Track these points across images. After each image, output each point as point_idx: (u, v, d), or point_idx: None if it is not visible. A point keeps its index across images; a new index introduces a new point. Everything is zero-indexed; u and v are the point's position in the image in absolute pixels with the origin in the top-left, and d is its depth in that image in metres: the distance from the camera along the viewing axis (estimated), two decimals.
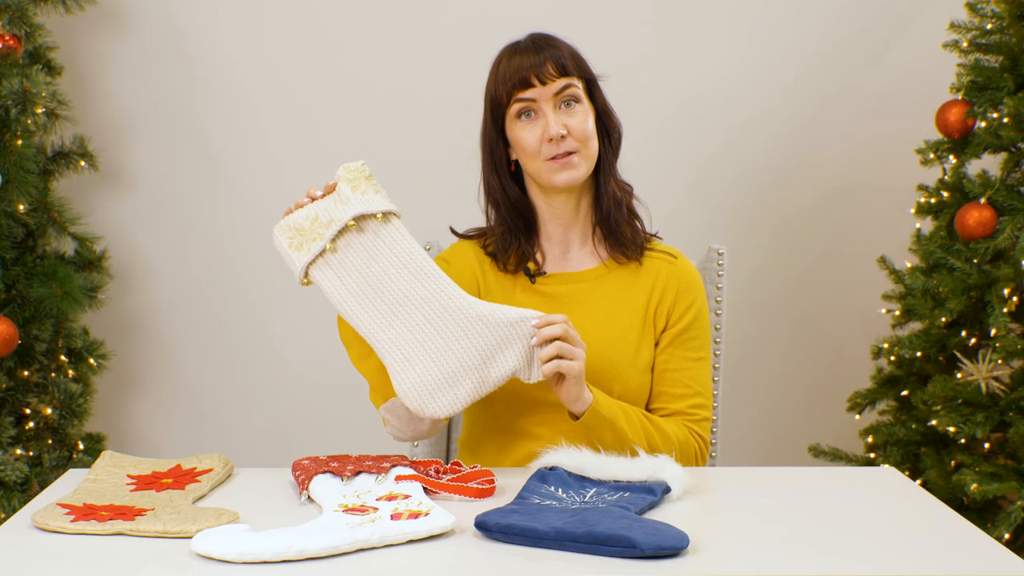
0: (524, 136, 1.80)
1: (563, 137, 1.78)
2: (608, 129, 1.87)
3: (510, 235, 1.88)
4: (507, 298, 1.86)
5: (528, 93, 1.79)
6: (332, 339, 2.97)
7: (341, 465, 1.56)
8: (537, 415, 1.81)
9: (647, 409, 1.85)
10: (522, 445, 1.82)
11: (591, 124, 1.82)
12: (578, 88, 1.81)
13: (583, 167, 1.81)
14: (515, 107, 1.80)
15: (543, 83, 1.78)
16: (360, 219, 1.66)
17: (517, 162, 1.87)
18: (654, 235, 1.93)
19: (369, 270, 1.66)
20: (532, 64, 1.79)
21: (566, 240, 1.89)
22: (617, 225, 1.87)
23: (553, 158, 1.79)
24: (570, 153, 1.79)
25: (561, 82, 1.79)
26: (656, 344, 1.86)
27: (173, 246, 2.96)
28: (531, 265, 1.88)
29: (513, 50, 1.83)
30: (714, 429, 2.07)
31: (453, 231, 1.96)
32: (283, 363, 2.99)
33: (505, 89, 1.80)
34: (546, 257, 1.90)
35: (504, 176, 1.88)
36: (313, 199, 1.70)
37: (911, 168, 2.73)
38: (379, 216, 1.67)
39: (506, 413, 1.82)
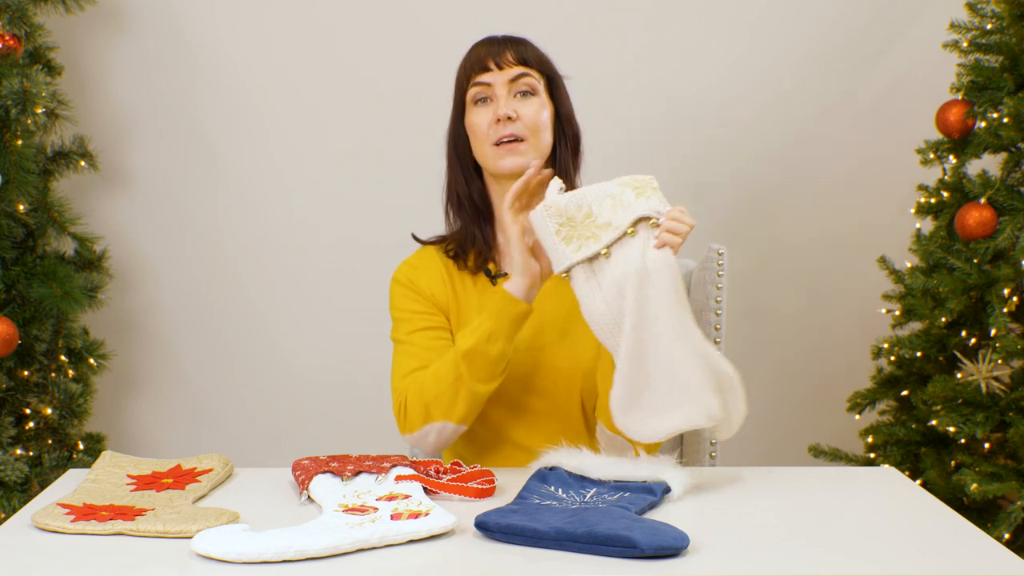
0: (476, 120, 1.82)
1: (510, 119, 1.78)
2: (566, 132, 1.86)
3: (469, 233, 1.86)
4: (469, 298, 1.85)
5: (484, 77, 1.81)
6: (332, 339, 2.99)
7: (341, 465, 1.56)
8: (521, 420, 1.82)
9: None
10: (503, 450, 1.82)
11: (544, 117, 1.82)
12: (535, 80, 1.82)
13: (530, 155, 1.80)
14: (472, 91, 1.83)
15: (500, 68, 1.81)
16: (640, 222, 1.56)
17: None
18: None
19: (628, 283, 1.56)
20: (492, 52, 1.82)
21: None
22: None
23: (499, 143, 1.79)
24: (517, 140, 1.79)
25: (517, 69, 1.81)
26: None
27: (173, 246, 2.96)
28: (491, 266, 1.87)
29: (480, 42, 1.86)
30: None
31: (415, 238, 1.95)
32: (283, 363, 2.99)
33: (465, 75, 1.84)
34: (504, 258, 1.88)
35: (467, 168, 1.87)
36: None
37: (911, 168, 2.73)
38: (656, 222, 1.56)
39: (489, 416, 1.81)
